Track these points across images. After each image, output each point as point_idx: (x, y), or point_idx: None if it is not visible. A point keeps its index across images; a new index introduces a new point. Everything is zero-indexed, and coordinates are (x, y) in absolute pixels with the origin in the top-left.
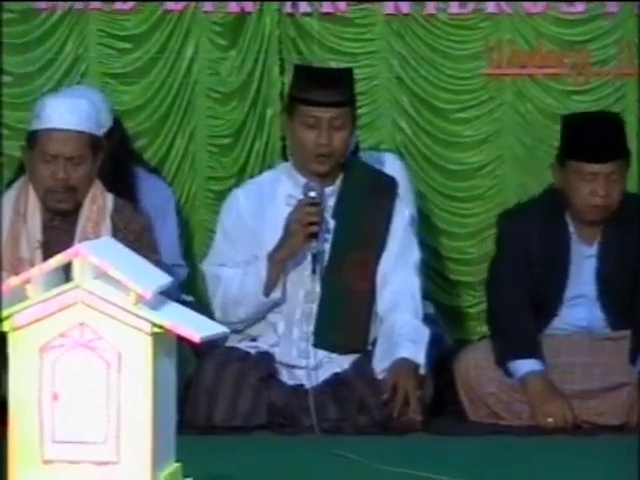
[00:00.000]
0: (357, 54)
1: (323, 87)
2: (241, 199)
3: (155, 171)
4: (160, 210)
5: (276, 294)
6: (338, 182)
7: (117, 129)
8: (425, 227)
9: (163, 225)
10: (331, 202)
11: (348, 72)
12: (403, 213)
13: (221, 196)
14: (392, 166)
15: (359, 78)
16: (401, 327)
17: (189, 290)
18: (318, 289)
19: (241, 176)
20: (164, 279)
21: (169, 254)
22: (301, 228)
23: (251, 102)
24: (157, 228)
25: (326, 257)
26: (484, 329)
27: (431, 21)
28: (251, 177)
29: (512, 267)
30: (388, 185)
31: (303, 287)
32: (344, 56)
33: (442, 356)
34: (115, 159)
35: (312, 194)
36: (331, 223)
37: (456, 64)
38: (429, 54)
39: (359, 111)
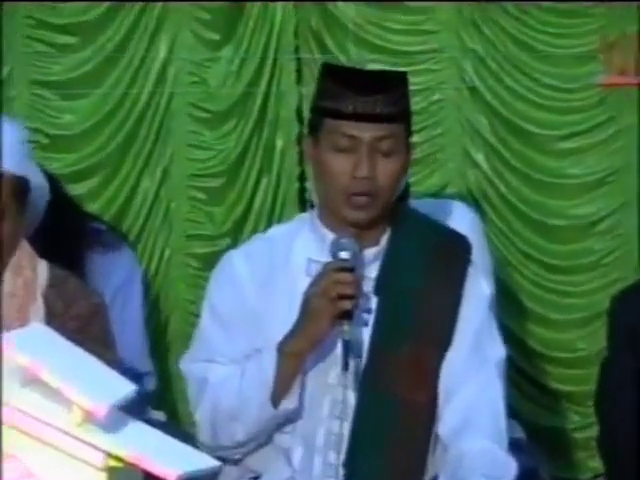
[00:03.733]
0: (412, 54)
1: (363, 92)
2: (239, 266)
3: (113, 235)
4: (120, 291)
5: (290, 404)
6: (383, 242)
7: (58, 196)
8: (509, 309)
9: (123, 311)
10: (373, 270)
11: (400, 75)
12: (479, 289)
13: (208, 263)
14: (462, 220)
15: (415, 89)
16: (474, 457)
17: (160, 404)
18: (352, 399)
19: (238, 234)
20: (124, 388)
21: (131, 356)
22: (327, 304)
23: (254, 124)
24: (115, 317)
25: (365, 350)
26: (598, 464)
27: (521, 5)
28: (254, 235)
29: (630, 373)
30: (457, 248)
31: (329, 394)
32: (392, 56)
33: None
34: (52, 233)
35: (344, 255)
36: (373, 301)
37: (558, 69)
38: (518, 54)
39: (413, 139)
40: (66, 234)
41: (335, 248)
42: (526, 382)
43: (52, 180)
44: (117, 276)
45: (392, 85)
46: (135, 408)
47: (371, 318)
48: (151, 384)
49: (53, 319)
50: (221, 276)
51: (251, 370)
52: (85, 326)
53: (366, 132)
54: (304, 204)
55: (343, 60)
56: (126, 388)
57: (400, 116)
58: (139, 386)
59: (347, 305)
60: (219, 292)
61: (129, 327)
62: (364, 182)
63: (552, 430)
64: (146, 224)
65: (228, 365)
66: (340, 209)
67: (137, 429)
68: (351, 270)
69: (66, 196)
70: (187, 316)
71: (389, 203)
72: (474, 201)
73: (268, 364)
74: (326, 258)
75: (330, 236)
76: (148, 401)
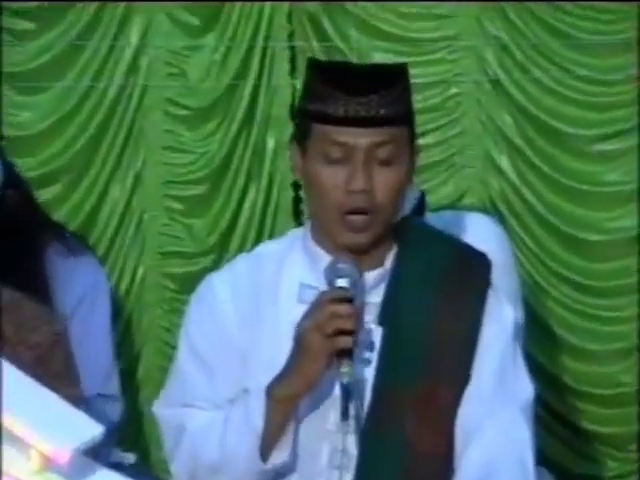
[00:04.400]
0: (424, 42)
1: (355, 92)
2: (221, 293)
3: (78, 242)
4: (83, 300)
5: (281, 456)
6: (388, 262)
7: (13, 185)
8: (537, 338)
9: (86, 323)
10: (376, 296)
11: (399, 68)
12: (501, 315)
13: (187, 284)
14: (486, 236)
15: (427, 82)
16: None
17: (131, 443)
18: (353, 446)
19: (222, 251)
20: (91, 430)
21: (95, 377)
22: (323, 342)
23: (241, 123)
24: (77, 329)
25: (367, 391)
26: None
27: None
28: (240, 253)
29: None
30: (475, 267)
31: (328, 442)
32: (401, 44)
33: None
34: (9, 233)
35: (341, 282)
36: (376, 333)
37: (595, 59)
38: (548, 41)
39: (426, 140)
40: (29, 239)
41: (331, 274)
42: (558, 423)
43: (17, 179)
44: (81, 284)
45: (390, 81)
46: (102, 451)
47: (375, 354)
48: (116, 411)
49: (5, 349)
50: (200, 305)
51: (236, 417)
52: (45, 357)
53: (361, 138)
54: (299, 215)
55: (344, 48)
56: (92, 429)
57: (401, 117)
58: (105, 417)
59: (346, 342)
60: (198, 325)
61: (93, 341)
62: (360, 197)
63: (587, 479)
64: (116, 238)
65: (209, 410)
66: (334, 231)
67: (105, 476)
68: (350, 301)
69: (32, 199)
70: (163, 347)
71: (392, 219)
72: (497, 212)
73: (255, 410)
74: (321, 282)
75: (325, 257)
76: (113, 434)
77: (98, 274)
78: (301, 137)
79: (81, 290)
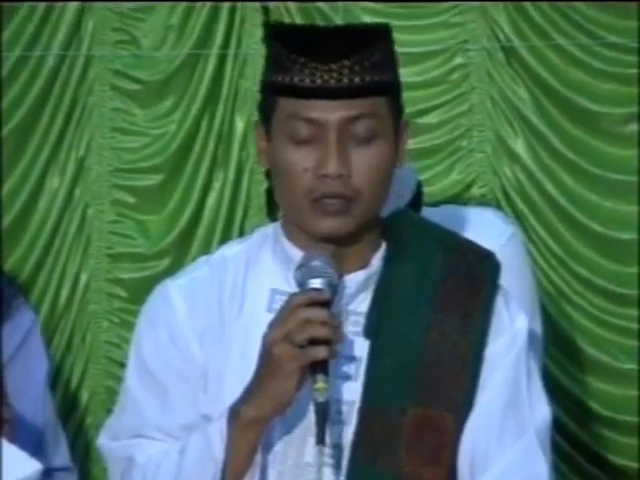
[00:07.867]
0: (424, 2)
1: (324, 58)
2: (178, 302)
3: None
4: (17, 361)
5: None
6: (375, 263)
7: None
8: (558, 355)
9: (19, 392)
10: (361, 303)
11: (379, 30)
12: (513, 326)
13: (139, 293)
14: (492, 233)
15: (426, 51)
16: None
17: None
18: None
19: (181, 253)
20: (27, 468)
21: (36, 448)
22: (294, 353)
23: (204, 100)
24: (14, 393)
25: (353, 415)
26: None
27: None
28: (203, 255)
29: None
30: (480, 269)
31: (302, 476)
32: (397, 5)
33: None
34: None
35: (315, 283)
36: (361, 346)
37: (630, 21)
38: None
39: (426, 120)
40: None
41: (303, 274)
42: (581, 455)
43: None
44: (7, 348)
45: (366, 45)
46: None
47: (361, 369)
48: None
49: None
50: (153, 316)
51: (194, 445)
52: None
53: (332, 113)
54: (274, 210)
55: (327, 10)
56: (30, 468)
57: (379, 86)
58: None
59: (321, 353)
60: (151, 340)
61: (29, 403)
62: (335, 182)
63: None
64: (54, 238)
65: (162, 440)
66: (305, 219)
67: None
68: (326, 304)
69: None
70: (110, 366)
71: (375, 208)
72: (510, 205)
73: (216, 436)
74: (295, 287)
75: (297, 255)
76: None
77: (28, 323)
78: (265, 116)
79: (14, 345)
